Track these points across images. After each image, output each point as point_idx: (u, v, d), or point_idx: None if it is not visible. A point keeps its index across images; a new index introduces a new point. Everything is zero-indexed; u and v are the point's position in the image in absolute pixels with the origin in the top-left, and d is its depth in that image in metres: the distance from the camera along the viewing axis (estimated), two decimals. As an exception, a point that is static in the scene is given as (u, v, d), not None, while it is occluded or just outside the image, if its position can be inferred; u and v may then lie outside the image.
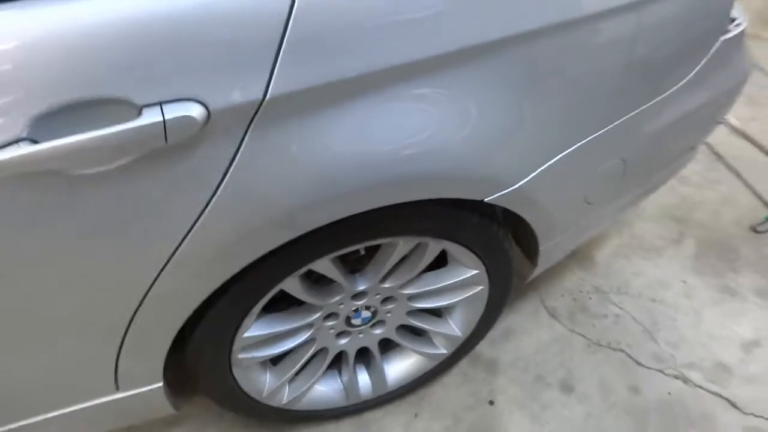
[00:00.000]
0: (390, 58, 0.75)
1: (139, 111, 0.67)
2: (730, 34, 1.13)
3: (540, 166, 0.99)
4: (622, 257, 1.80)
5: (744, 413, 1.42)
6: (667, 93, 1.08)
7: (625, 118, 1.04)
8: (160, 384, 1.01)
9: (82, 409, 0.99)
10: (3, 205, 0.68)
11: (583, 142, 1.01)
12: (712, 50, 1.10)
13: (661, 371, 1.50)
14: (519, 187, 0.98)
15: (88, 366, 0.91)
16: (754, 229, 1.91)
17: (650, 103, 1.06)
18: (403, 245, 1.01)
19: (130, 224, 0.75)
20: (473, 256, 1.10)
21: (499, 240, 1.10)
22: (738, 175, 2.11)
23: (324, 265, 0.97)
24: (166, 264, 0.80)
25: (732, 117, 2.36)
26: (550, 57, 0.88)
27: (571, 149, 1.01)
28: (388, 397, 1.37)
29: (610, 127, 1.03)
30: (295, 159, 0.77)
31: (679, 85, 1.09)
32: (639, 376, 1.49)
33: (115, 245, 0.76)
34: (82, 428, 1.04)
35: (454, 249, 1.07)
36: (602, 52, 0.93)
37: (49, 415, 0.97)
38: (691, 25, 1.02)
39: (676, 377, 1.49)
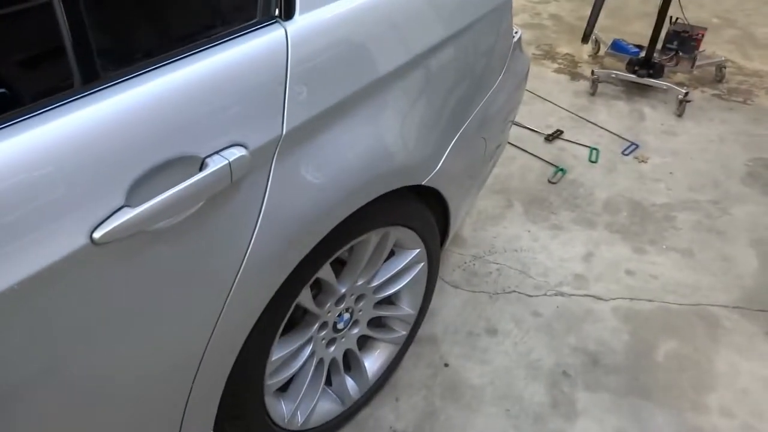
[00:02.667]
0: (358, 83, 1.01)
1: (201, 162, 0.82)
2: (516, 38, 1.62)
3: (445, 151, 1.32)
4: (480, 229, 2.24)
5: (606, 300, 1.93)
6: (497, 83, 1.51)
7: (480, 105, 1.44)
8: (212, 433, 1.07)
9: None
10: (102, 273, 0.76)
11: (463, 128, 1.38)
12: (511, 49, 1.57)
13: (544, 295, 1.94)
14: (439, 168, 1.30)
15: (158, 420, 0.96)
16: (550, 182, 2.53)
17: (490, 92, 1.48)
18: (373, 239, 1.25)
19: (199, 262, 0.87)
20: (416, 236, 1.37)
21: (430, 219, 1.39)
22: (524, 150, 2.75)
23: (326, 271, 1.15)
24: (228, 295, 0.92)
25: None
26: (434, 73, 1.22)
27: (458, 135, 1.36)
28: (370, 393, 1.54)
29: (474, 114, 1.42)
30: (309, 173, 0.97)
31: (501, 76, 1.53)
32: (533, 304, 1.91)
33: (187, 290, 0.87)
34: None
35: (404, 234, 1.33)
36: (460, 63, 1.30)
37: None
38: (500, 35, 1.47)
39: (556, 295, 1.94)
